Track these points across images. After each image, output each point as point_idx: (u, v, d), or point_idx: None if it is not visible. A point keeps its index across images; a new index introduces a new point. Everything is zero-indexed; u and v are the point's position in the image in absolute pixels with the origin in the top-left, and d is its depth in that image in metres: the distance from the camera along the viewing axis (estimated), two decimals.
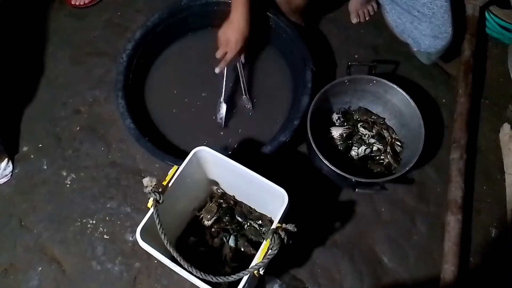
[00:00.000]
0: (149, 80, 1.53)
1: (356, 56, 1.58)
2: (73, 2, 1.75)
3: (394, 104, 1.31)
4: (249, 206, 1.25)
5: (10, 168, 1.41)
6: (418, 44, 1.38)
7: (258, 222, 1.22)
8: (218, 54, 1.29)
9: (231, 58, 1.29)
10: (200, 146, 1.03)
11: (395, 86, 1.26)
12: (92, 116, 1.52)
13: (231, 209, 1.24)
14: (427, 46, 1.36)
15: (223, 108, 1.40)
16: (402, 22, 1.37)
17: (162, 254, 0.91)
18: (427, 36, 1.32)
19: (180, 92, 1.51)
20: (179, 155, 1.21)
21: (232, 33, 1.25)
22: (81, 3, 1.74)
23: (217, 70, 1.33)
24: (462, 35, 1.50)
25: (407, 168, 1.14)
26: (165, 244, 0.87)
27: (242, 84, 1.43)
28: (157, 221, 0.89)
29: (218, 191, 1.26)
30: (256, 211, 1.25)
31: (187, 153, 1.03)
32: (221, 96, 1.40)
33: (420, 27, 1.32)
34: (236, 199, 1.26)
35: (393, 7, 1.39)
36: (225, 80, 1.39)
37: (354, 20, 1.64)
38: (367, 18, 1.64)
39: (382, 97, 1.33)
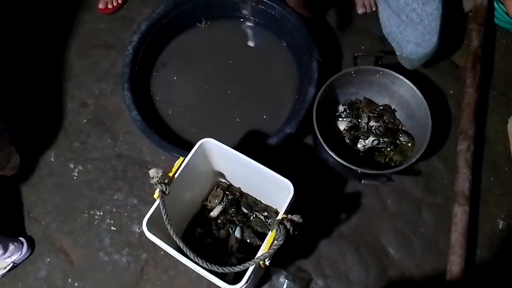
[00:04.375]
0: (155, 72, 1.53)
1: (362, 47, 1.57)
2: (100, 6, 1.71)
3: (401, 95, 1.30)
4: (255, 198, 1.26)
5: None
6: (401, 49, 1.34)
7: (263, 214, 1.22)
8: None
9: None
10: (205, 137, 1.04)
11: (401, 77, 1.25)
12: (99, 108, 1.53)
13: (237, 200, 1.24)
14: (409, 53, 1.31)
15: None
16: (390, 24, 1.33)
17: (168, 245, 0.91)
18: (410, 42, 1.28)
19: (185, 84, 1.51)
20: (185, 146, 1.21)
21: None
22: (109, 6, 1.70)
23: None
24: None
25: (414, 159, 1.14)
26: (171, 234, 0.87)
27: None
28: (163, 212, 0.89)
29: (224, 182, 1.27)
30: (262, 203, 1.25)
31: (193, 145, 1.03)
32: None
33: (405, 32, 1.28)
34: (241, 191, 1.27)
35: (384, 7, 1.34)
36: None
37: (360, 11, 1.62)
38: (373, 9, 1.62)
39: (388, 88, 1.32)
